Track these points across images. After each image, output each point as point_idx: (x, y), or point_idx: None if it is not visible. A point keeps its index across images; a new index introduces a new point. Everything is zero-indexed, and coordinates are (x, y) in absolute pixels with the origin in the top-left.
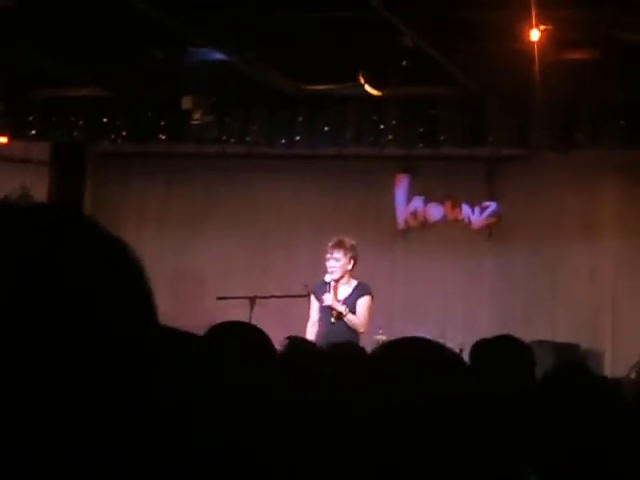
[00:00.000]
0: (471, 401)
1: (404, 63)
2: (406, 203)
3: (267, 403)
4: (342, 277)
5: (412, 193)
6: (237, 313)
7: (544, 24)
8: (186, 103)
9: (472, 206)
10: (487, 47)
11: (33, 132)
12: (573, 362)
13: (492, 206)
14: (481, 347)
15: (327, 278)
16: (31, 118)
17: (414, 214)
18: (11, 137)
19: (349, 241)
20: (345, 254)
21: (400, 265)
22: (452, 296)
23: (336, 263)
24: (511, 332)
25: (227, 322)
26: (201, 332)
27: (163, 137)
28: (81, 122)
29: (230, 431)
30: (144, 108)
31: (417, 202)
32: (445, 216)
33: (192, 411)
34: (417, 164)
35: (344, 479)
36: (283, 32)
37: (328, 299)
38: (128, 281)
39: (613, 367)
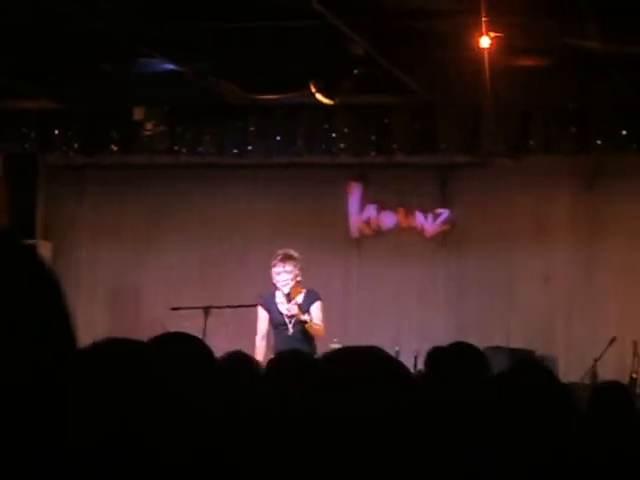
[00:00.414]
0: (415, 410)
1: (355, 72)
2: (359, 211)
3: (208, 417)
4: (294, 288)
5: (365, 201)
6: (192, 324)
7: (494, 31)
8: (138, 114)
9: (425, 213)
10: (438, 55)
11: None
12: (528, 362)
13: (445, 213)
14: (436, 354)
15: (285, 291)
16: None
17: (367, 222)
18: None
19: (295, 253)
20: (295, 265)
21: (354, 273)
22: (407, 303)
23: (288, 276)
24: (466, 338)
25: (169, 333)
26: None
27: (115, 148)
28: (33, 134)
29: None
30: (95, 119)
31: (370, 210)
32: (398, 224)
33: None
34: (370, 172)
35: None
36: (233, 42)
37: (293, 309)
38: (43, 295)
39: (567, 372)
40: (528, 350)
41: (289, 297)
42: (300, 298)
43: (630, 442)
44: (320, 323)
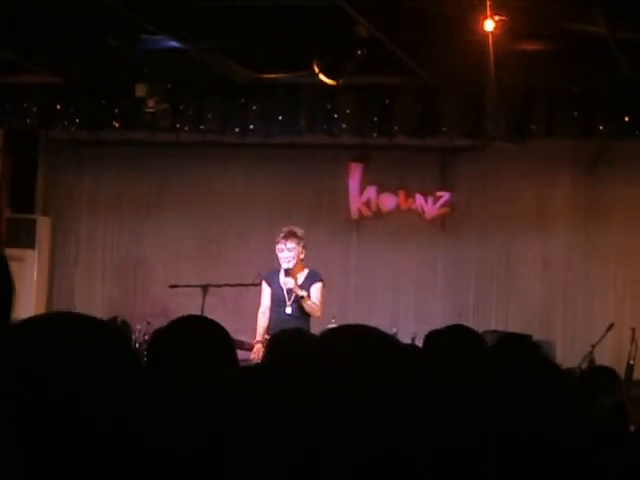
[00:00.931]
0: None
1: (359, 52)
2: (359, 192)
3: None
4: (296, 266)
5: (365, 182)
6: (190, 301)
7: (499, 14)
8: (140, 91)
9: (425, 196)
10: (442, 37)
11: None
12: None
13: (445, 196)
14: (433, 337)
15: (284, 267)
16: None
17: (367, 203)
18: None
19: (299, 230)
20: (298, 243)
21: (353, 254)
22: (405, 286)
23: (290, 253)
24: (464, 322)
25: (187, 317)
26: (154, 320)
27: (117, 124)
28: (34, 109)
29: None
30: (98, 95)
31: (370, 191)
32: (398, 206)
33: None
34: (371, 153)
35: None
36: (237, 20)
37: (290, 283)
38: None
39: (565, 357)
40: (525, 335)
41: (288, 273)
42: (302, 277)
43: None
44: (317, 303)
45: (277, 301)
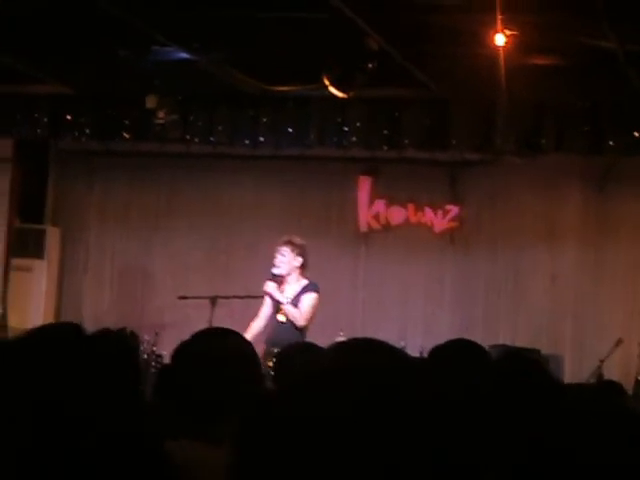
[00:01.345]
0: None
1: (369, 65)
2: (369, 205)
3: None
4: (289, 274)
5: (375, 195)
6: (198, 312)
7: (509, 29)
8: (150, 102)
9: (435, 210)
10: (452, 51)
11: None
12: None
13: (454, 210)
14: (436, 351)
15: (274, 271)
16: None
17: (376, 217)
18: None
19: (298, 240)
20: (292, 250)
21: (362, 268)
22: (413, 299)
23: (283, 258)
24: (472, 336)
25: (212, 328)
26: (162, 331)
27: (127, 135)
28: (45, 119)
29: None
30: (108, 106)
31: (379, 205)
32: (407, 219)
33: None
34: (380, 166)
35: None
36: (248, 32)
37: (270, 287)
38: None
39: (573, 372)
40: (534, 349)
41: (275, 278)
42: (299, 286)
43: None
44: (301, 311)
45: (274, 309)
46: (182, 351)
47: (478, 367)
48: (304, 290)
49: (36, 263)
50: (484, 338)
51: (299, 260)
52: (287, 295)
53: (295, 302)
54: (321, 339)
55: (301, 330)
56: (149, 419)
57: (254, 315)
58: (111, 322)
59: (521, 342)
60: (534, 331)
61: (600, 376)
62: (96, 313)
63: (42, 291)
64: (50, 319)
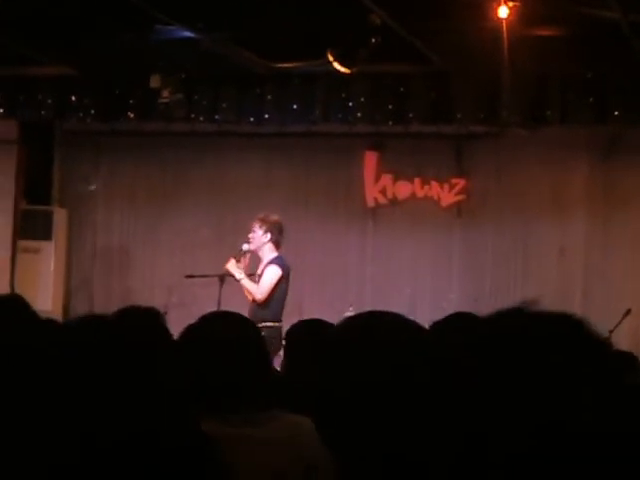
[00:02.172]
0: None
1: (373, 40)
2: (375, 180)
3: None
4: (259, 250)
5: (381, 170)
6: (206, 291)
7: (512, 0)
8: (154, 81)
9: (441, 183)
10: (455, 24)
11: (1, 111)
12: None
13: (461, 183)
14: (438, 326)
15: (244, 247)
16: None
17: (383, 191)
18: None
19: (271, 216)
20: (261, 227)
21: (370, 243)
22: (422, 273)
23: (253, 234)
24: (480, 309)
25: (220, 312)
26: (171, 310)
27: (131, 115)
28: (49, 100)
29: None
30: (112, 86)
31: (386, 179)
32: (414, 193)
33: None
34: (386, 141)
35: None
36: (251, 10)
37: (229, 264)
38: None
39: None
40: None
41: (240, 254)
42: (264, 263)
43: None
44: (259, 285)
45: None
46: (189, 334)
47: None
48: (267, 264)
49: (44, 245)
50: (492, 311)
51: (267, 236)
52: (258, 271)
53: (260, 276)
54: (330, 314)
55: (264, 305)
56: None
57: None
58: (120, 302)
59: None
60: (543, 303)
61: None
62: (105, 293)
63: (50, 272)
64: (59, 300)
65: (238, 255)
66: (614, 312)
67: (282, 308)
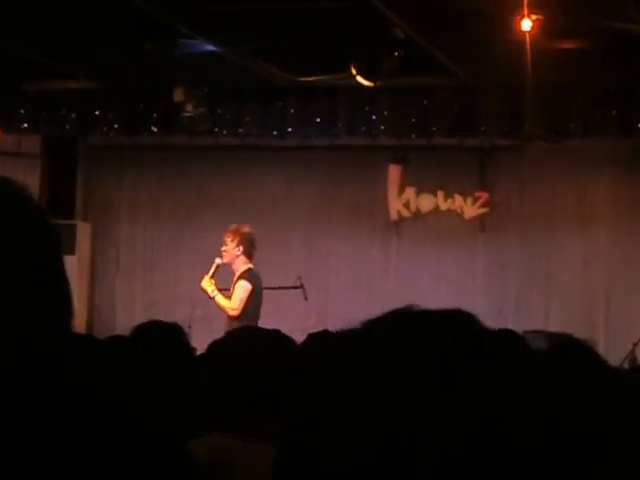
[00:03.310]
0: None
1: (396, 54)
2: (398, 194)
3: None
4: (232, 263)
5: (404, 184)
6: None
7: (536, 13)
8: (178, 95)
9: (464, 196)
10: (479, 37)
11: (25, 125)
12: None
13: (484, 196)
14: None
15: (217, 261)
16: (22, 111)
17: (407, 205)
18: (2, 131)
19: (243, 228)
20: (233, 240)
21: (393, 256)
22: (445, 287)
23: (225, 247)
24: (504, 322)
25: (245, 327)
26: (195, 324)
27: (155, 129)
28: (73, 115)
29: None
30: (136, 100)
31: (409, 193)
32: (437, 207)
33: None
34: (409, 154)
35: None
36: (274, 23)
37: (204, 281)
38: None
39: (606, 357)
40: (567, 334)
41: (215, 270)
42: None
43: None
44: (232, 301)
45: None
46: (214, 350)
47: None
48: (237, 279)
49: (67, 259)
50: (517, 324)
51: (240, 249)
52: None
53: (233, 289)
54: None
55: (238, 319)
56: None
57: (286, 306)
58: (144, 316)
59: (554, 327)
60: (567, 316)
61: (633, 359)
62: (129, 307)
63: (74, 287)
64: (83, 315)
65: (213, 271)
66: (638, 325)
67: (256, 320)
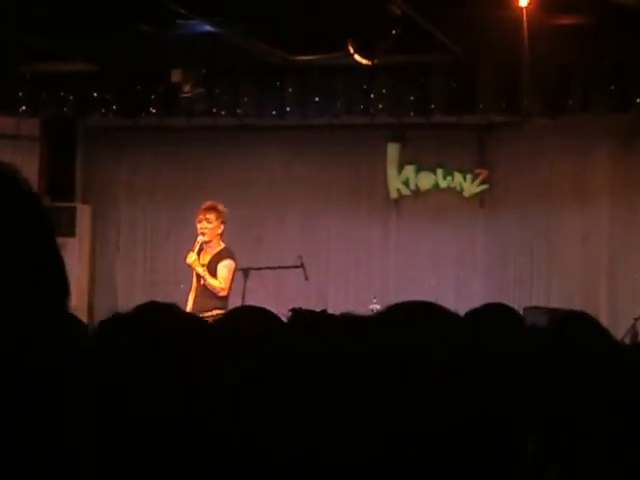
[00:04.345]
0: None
1: (393, 31)
2: (397, 172)
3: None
4: (211, 241)
5: (403, 162)
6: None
7: None
8: (175, 76)
9: (463, 174)
10: (476, 14)
11: (23, 108)
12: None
13: (483, 173)
14: (471, 315)
15: (199, 239)
16: (21, 94)
17: (406, 183)
18: (1, 113)
19: (221, 206)
20: (217, 218)
21: (393, 234)
22: (445, 264)
23: (208, 225)
24: (505, 299)
25: (245, 307)
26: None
27: (153, 111)
28: (71, 97)
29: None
30: (134, 82)
31: (408, 171)
32: (437, 184)
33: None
34: (408, 133)
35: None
36: (271, 3)
37: (190, 257)
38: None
39: None
40: (567, 310)
41: (202, 247)
42: (211, 253)
43: None
44: (220, 281)
45: (197, 279)
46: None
47: (514, 331)
48: (219, 257)
49: (68, 241)
50: (517, 301)
51: (222, 227)
52: (203, 261)
53: (210, 268)
54: (355, 306)
55: (222, 298)
56: None
57: (287, 285)
58: (144, 297)
59: (554, 303)
60: (567, 292)
61: (635, 334)
62: (129, 289)
63: (75, 269)
64: (84, 297)
65: (198, 249)
66: (639, 299)
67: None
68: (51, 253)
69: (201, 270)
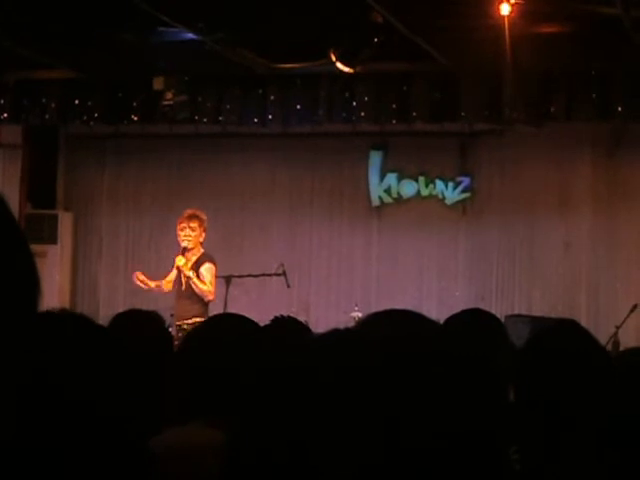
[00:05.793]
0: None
1: (375, 39)
2: (380, 180)
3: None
4: (194, 248)
5: (385, 169)
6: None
7: None
8: (157, 83)
9: (446, 182)
10: (458, 22)
11: (5, 115)
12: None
13: (466, 181)
14: (452, 321)
15: (183, 245)
16: (2, 101)
17: (388, 191)
18: None
19: (203, 214)
20: (200, 225)
21: (375, 242)
22: (427, 272)
23: (192, 233)
24: (487, 307)
25: (225, 314)
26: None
27: (135, 118)
28: (53, 104)
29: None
30: (116, 89)
31: (391, 178)
32: (419, 192)
33: None
34: (390, 141)
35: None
36: (253, 10)
37: (180, 260)
38: None
39: None
40: (549, 318)
41: (184, 252)
42: (195, 258)
43: None
44: (207, 284)
45: (176, 280)
46: (194, 336)
47: (494, 335)
48: (201, 261)
49: (49, 248)
50: (499, 308)
51: (203, 235)
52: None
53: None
54: (337, 314)
55: (200, 301)
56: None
57: (269, 293)
58: (126, 305)
59: (536, 311)
60: (549, 299)
61: (616, 342)
62: (111, 297)
63: (57, 276)
64: (65, 304)
65: (185, 254)
66: (620, 308)
67: None
68: (18, 254)
69: (190, 273)
